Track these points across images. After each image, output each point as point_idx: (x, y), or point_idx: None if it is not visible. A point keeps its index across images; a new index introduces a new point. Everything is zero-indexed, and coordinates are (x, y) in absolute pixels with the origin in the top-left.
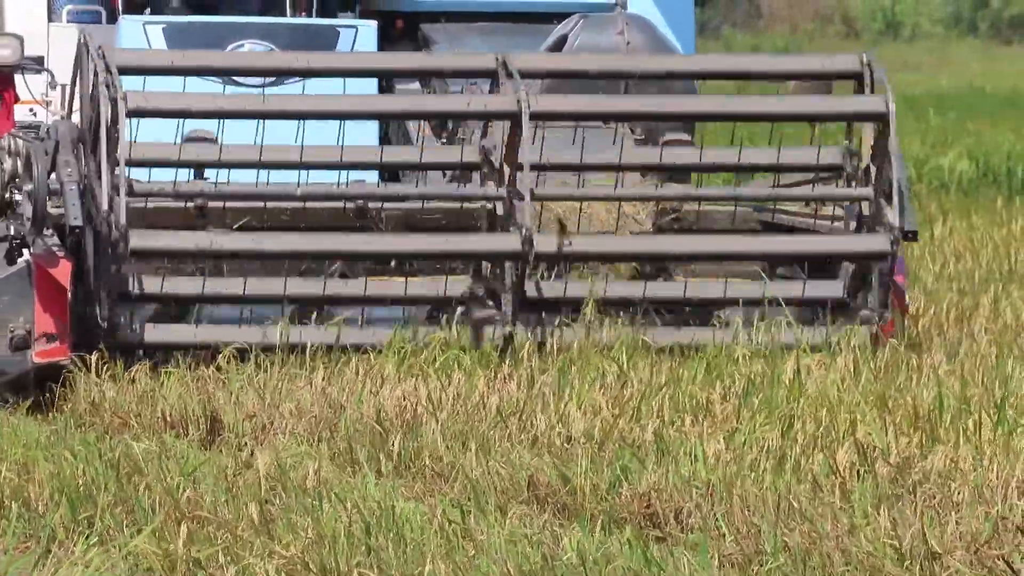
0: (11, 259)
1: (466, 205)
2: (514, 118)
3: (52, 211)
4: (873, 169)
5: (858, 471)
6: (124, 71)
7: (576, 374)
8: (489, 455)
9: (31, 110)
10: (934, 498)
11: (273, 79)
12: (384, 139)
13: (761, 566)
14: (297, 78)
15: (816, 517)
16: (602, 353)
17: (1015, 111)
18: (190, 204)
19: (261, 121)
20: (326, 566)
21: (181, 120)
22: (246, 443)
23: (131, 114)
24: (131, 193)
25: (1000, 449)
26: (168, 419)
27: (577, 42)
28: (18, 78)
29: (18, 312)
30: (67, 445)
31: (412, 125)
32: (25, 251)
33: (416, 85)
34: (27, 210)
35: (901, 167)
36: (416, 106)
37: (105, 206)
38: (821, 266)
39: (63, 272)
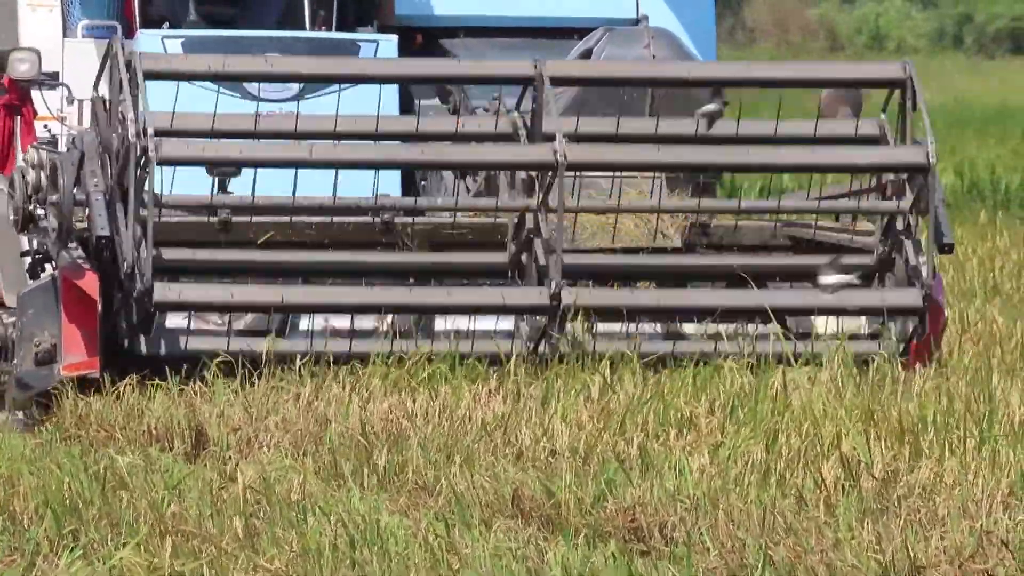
0: (34, 273)
1: (493, 219)
2: (551, 169)
3: (76, 225)
4: (910, 195)
5: (843, 485)
6: (150, 76)
7: (561, 387)
8: (473, 469)
9: (46, 126)
10: (919, 512)
11: (293, 95)
12: (410, 183)
13: None
14: (320, 92)
15: (801, 531)
16: (592, 364)
17: (1000, 125)
18: (213, 219)
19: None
20: None
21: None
22: (231, 457)
23: (162, 162)
24: (156, 204)
25: (985, 463)
26: (154, 432)
27: (603, 55)
28: (34, 94)
29: (43, 326)
30: (52, 458)
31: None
32: (48, 265)
33: (437, 102)
34: (52, 222)
35: (939, 191)
36: (447, 156)
37: (130, 258)
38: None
39: (90, 284)
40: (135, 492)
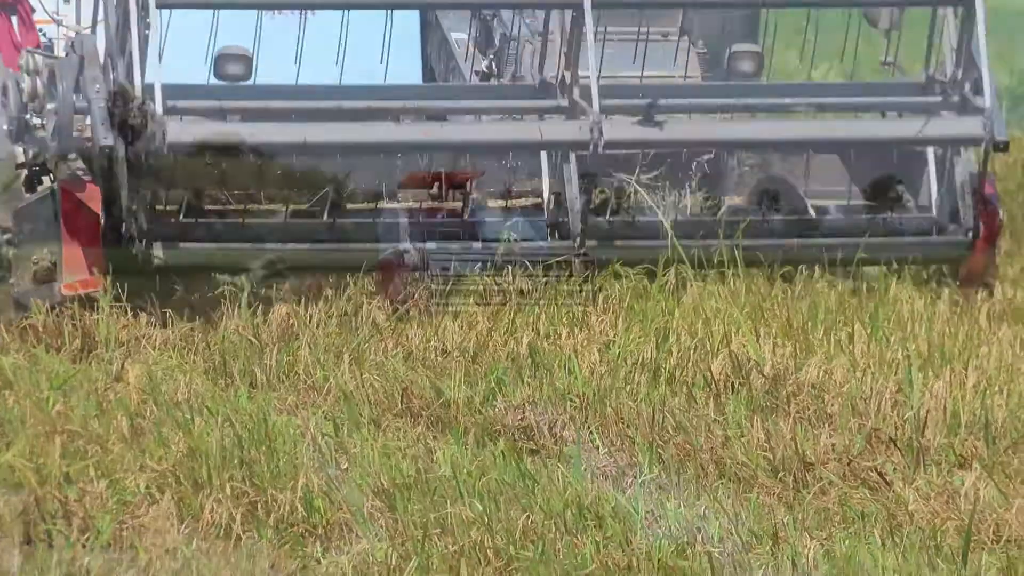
0: (31, 186)
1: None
2: (576, 7)
3: (76, 134)
4: (959, 73)
5: (733, 383)
6: (163, 5)
7: (452, 289)
8: (363, 368)
9: (41, 30)
10: (808, 410)
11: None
12: (426, 63)
13: (635, 479)
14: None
15: (690, 429)
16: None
17: None
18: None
19: (299, 43)
20: (198, 479)
21: (212, 35)
22: (117, 357)
23: (161, 5)
24: (164, 111)
25: (874, 361)
26: (42, 331)
27: None
28: None
29: (42, 242)
30: None
31: (456, 46)
32: (45, 178)
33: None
34: (50, 132)
35: (992, 82)
36: None
37: (139, 94)
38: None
39: (93, 197)
40: (20, 392)
